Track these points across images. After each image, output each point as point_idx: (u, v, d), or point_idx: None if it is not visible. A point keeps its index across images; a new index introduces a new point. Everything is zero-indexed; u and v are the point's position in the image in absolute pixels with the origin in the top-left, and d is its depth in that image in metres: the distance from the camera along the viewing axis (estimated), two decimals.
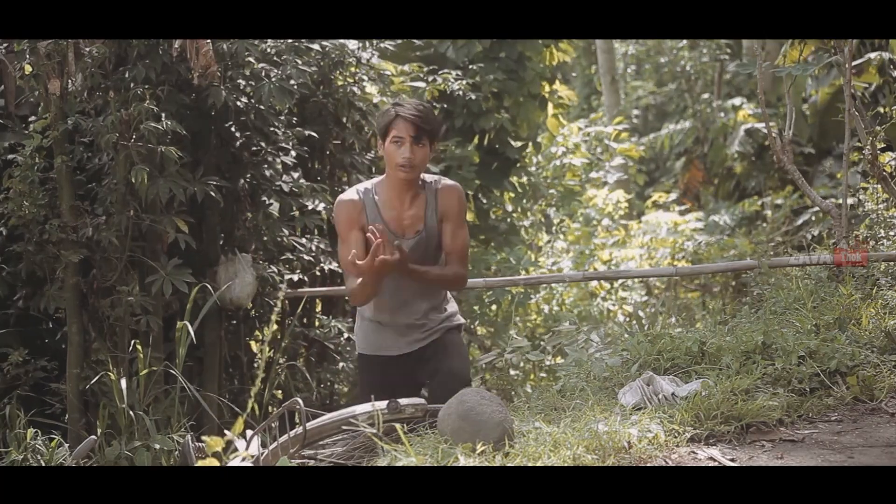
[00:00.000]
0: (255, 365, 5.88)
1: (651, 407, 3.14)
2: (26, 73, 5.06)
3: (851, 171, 7.34)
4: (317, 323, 6.12)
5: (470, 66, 7.81)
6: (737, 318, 4.26)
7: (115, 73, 5.06)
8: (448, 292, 3.86)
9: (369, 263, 3.32)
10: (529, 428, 2.89)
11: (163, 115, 4.89)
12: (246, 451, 3.02)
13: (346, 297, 5.94)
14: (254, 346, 5.94)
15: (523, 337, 7.74)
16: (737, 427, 3.01)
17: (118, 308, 4.90)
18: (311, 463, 3.02)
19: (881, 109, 5.59)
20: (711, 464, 2.77)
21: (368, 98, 6.22)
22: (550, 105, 8.77)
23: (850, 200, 5.21)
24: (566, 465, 2.59)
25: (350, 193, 3.66)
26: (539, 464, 2.58)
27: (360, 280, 3.45)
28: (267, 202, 5.60)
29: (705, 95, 15.37)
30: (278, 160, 5.66)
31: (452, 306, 3.85)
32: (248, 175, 5.55)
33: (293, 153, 5.79)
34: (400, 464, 2.52)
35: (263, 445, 3.21)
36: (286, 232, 5.68)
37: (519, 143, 8.33)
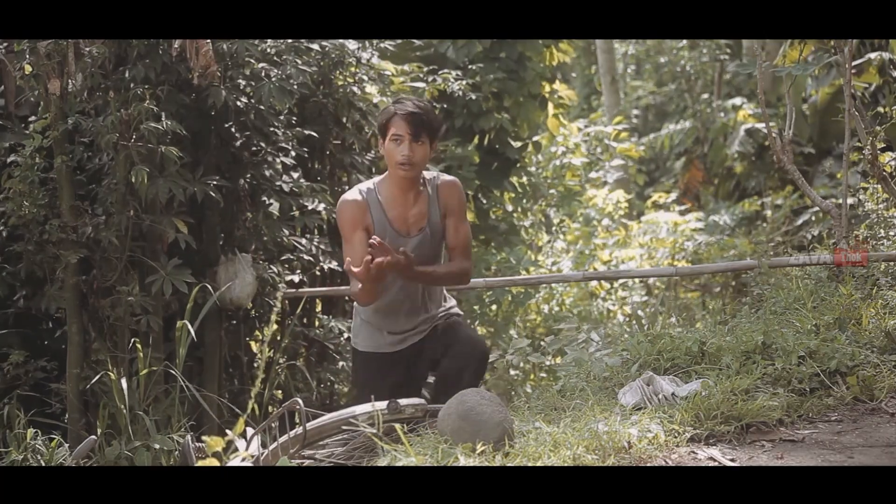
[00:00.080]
0: (255, 365, 5.88)
1: (651, 407, 3.14)
2: (26, 73, 5.06)
3: (851, 171, 7.33)
4: (317, 323, 6.12)
5: (470, 66, 7.81)
6: (737, 318, 4.26)
7: (115, 73, 5.06)
8: (443, 290, 3.86)
9: (364, 273, 3.32)
10: (529, 428, 2.89)
11: (163, 115, 4.89)
12: (246, 451, 3.02)
13: (347, 297, 5.98)
14: (254, 346, 5.94)
15: (523, 337, 7.75)
16: (737, 427, 3.01)
17: (118, 308, 4.90)
18: (311, 463, 3.02)
19: (881, 109, 5.59)
20: (711, 464, 2.77)
21: (368, 98, 6.22)
22: (550, 105, 8.78)
23: (850, 200, 5.20)
24: (566, 465, 2.59)
25: (353, 193, 3.65)
26: (539, 464, 2.58)
27: (360, 285, 3.45)
28: (267, 202, 5.60)
29: (705, 95, 15.36)
30: (278, 160, 5.66)
31: (451, 300, 3.87)
32: (248, 175, 5.55)
33: (293, 153, 5.79)
34: (400, 464, 2.52)
35: (263, 445, 3.21)
36: (286, 232, 5.68)
37: (519, 144, 8.33)
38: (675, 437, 2.90)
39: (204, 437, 2.28)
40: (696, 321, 6.13)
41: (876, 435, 3.03)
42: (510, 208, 8.79)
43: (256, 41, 5.39)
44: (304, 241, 5.83)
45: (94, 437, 4.15)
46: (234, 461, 2.69)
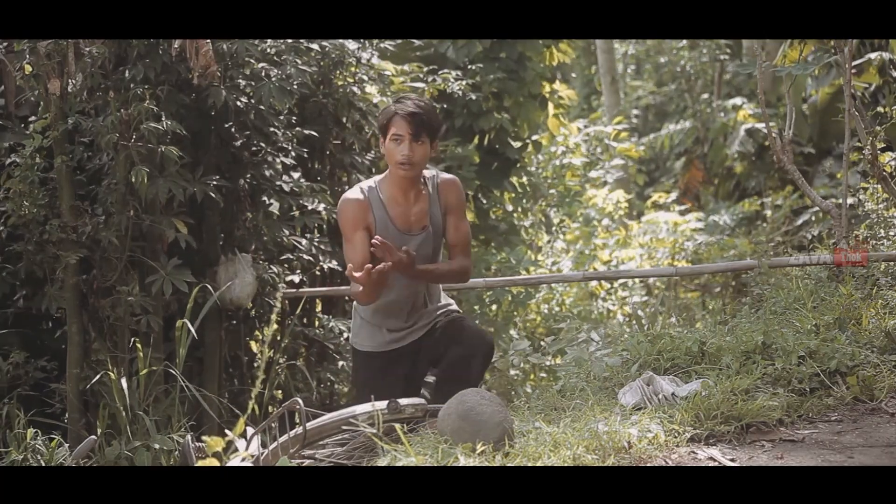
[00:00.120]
0: (255, 365, 5.88)
1: (651, 407, 3.14)
2: (26, 73, 5.06)
3: (851, 171, 7.33)
4: (317, 323, 6.11)
5: (470, 67, 7.81)
6: (737, 318, 4.26)
7: (115, 73, 5.06)
8: (441, 288, 3.86)
9: (365, 278, 3.32)
10: (529, 428, 2.89)
11: (163, 115, 4.89)
12: (246, 451, 3.02)
13: (347, 297, 5.97)
14: (254, 346, 5.94)
15: (523, 337, 7.75)
16: (737, 427, 3.01)
17: (118, 308, 4.90)
18: (311, 463, 3.02)
19: (881, 109, 5.58)
20: (711, 464, 2.77)
21: (368, 98, 6.22)
22: (550, 105, 8.78)
23: (850, 200, 5.20)
24: (566, 465, 2.59)
25: (355, 192, 3.65)
26: (539, 464, 2.58)
27: (361, 287, 3.45)
28: (267, 202, 5.60)
29: (705, 95, 15.36)
30: (278, 160, 5.67)
31: (447, 298, 3.87)
32: (248, 175, 5.55)
33: (293, 153, 5.79)
34: (400, 464, 2.52)
35: (263, 445, 3.21)
36: (286, 232, 5.68)
37: (519, 144, 8.33)
38: (675, 437, 2.90)
39: (204, 437, 2.28)
40: (696, 321, 6.14)
41: (876, 435, 3.03)
42: (510, 208, 8.79)
43: (256, 41, 5.39)
44: (304, 241, 5.83)
45: (94, 437, 4.15)
46: (234, 461, 2.69)
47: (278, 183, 5.63)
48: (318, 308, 6.24)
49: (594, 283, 9.37)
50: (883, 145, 5.03)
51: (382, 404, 2.96)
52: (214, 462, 2.17)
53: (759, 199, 11.87)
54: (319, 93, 5.96)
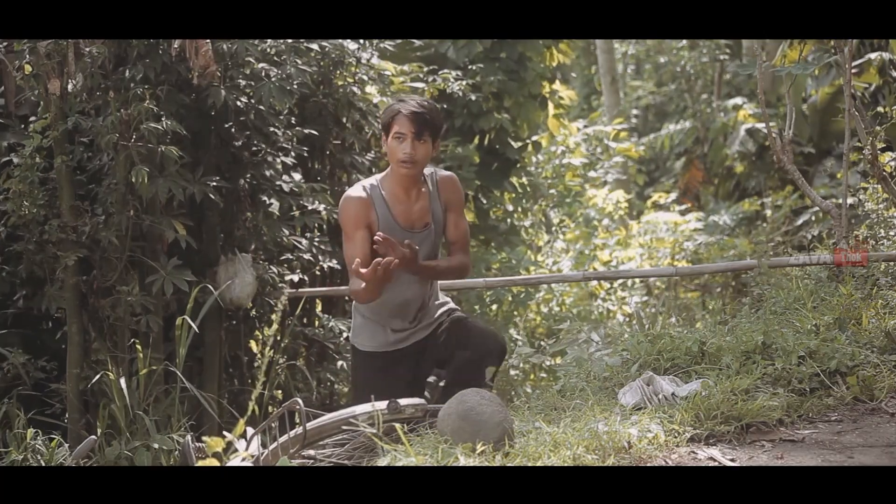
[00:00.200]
0: (256, 365, 5.88)
1: (651, 407, 3.14)
2: (26, 73, 5.06)
3: (851, 171, 7.33)
4: (317, 323, 6.11)
5: (470, 67, 7.82)
6: (737, 318, 4.26)
7: (115, 73, 5.06)
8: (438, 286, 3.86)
9: (371, 274, 3.32)
10: (529, 428, 2.89)
11: (163, 115, 4.89)
12: (246, 451, 3.02)
13: (347, 297, 5.97)
14: (254, 346, 5.94)
15: (523, 336, 7.76)
16: (737, 427, 3.01)
17: (118, 308, 4.90)
18: (311, 463, 3.02)
19: (881, 109, 5.59)
20: (711, 464, 2.77)
21: (368, 98, 6.22)
22: (551, 105, 8.78)
23: (850, 200, 5.20)
24: (566, 465, 2.59)
25: (357, 190, 3.65)
26: (539, 464, 2.58)
27: (363, 284, 3.45)
28: (267, 202, 5.60)
29: (705, 95, 15.36)
30: (278, 160, 5.67)
31: (444, 296, 3.87)
32: (248, 175, 5.56)
33: (293, 153, 5.79)
34: (400, 464, 2.52)
35: (263, 445, 3.21)
36: (286, 232, 5.68)
37: (519, 144, 8.34)
38: (675, 437, 2.90)
39: (204, 438, 2.28)
40: (696, 321, 6.14)
41: (876, 435, 3.03)
42: (510, 208, 8.79)
43: (256, 41, 5.39)
44: (304, 240, 5.83)
45: (94, 437, 4.14)
46: (234, 461, 2.69)
47: (278, 183, 5.63)
48: (319, 308, 6.24)
49: (594, 283, 9.37)
50: (883, 145, 5.03)
51: (382, 404, 2.96)
52: (214, 462, 2.17)
53: (759, 199, 11.87)
54: (319, 93, 5.96)
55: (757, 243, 10.00)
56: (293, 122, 5.82)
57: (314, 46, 5.74)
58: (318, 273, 6.08)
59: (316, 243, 5.90)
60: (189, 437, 3.37)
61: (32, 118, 5.15)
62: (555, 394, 3.67)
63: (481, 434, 2.63)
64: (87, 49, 4.94)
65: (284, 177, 5.70)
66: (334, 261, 5.92)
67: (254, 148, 5.57)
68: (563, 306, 9.05)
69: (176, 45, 4.98)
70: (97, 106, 5.04)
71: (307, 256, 5.84)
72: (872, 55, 7.90)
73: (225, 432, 2.11)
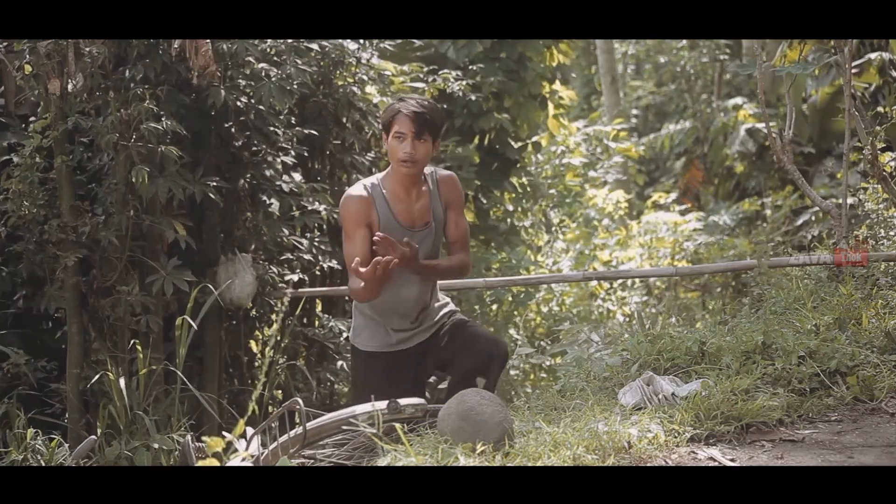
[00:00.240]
0: (256, 365, 5.88)
1: (651, 407, 3.14)
2: (26, 73, 5.06)
3: (851, 171, 7.33)
4: (317, 323, 6.12)
5: (470, 67, 7.82)
6: (737, 318, 4.25)
7: (115, 73, 5.06)
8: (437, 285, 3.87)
9: (370, 273, 3.32)
10: (529, 428, 2.89)
11: (163, 115, 4.89)
12: (246, 451, 3.02)
13: (347, 297, 5.97)
14: (254, 346, 5.94)
15: (523, 336, 7.75)
16: (737, 427, 3.01)
17: (118, 308, 4.90)
18: (311, 463, 3.02)
19: (881, 109, 5.59)
20: (711, 464, 2.77)
21: (368, 98, 6.23)
22: (551, 105, 8.78)
23: (850, 200, 5.20)
24: (566, 465, 2.59)
25: (358, 189, 3.65)
26: (539, 464, 2.58)
27: (362, 283, 3.45)
28: (267, 202, 5.60)
29: (705, 95, 15.36)
30: (278, 160, 5.67)
31: (444, 296, 3.88)
32: (248, 175, 5.56)
33: (293, 153, 5.79)
34: (400, 464, 2.52)
35: (263, 445, 3.21)
36: (286, 232, 5.68)
37: (519, 144, 8.34)
38: (675, 437, 2.90)
39: (204, 438, 2.28)
40: (696, 321, 6.14)
41: (876, 435, 3.03)
42: (510, 208, 8.79)
43: (256, 41, 5.39)
44: (304, 241, 5.84)
45: (94, 437, 4.14)
46: (234, 461, 2.69)
47: (278, 183, 5.63)
48: (319, 308, 6.24)
49: (594, 283, 9.37)
50: (883, 145, 5.03)
51: (382, 404, 2.96)
52: (214, 462, 2.17)
53: (759, 199, 11.88)
54: (319, 93, 5.96)
55: (757, 243, 10.00)
56: (293, 122, 5.82)
57: (314, 46, 5.74)
58: (318, 273, 6.08)
59: (316, 243, 5.90)
60: (189, 437, 3.36)
61: (32, 118, 5.15)
62: (555, 394, 3.67)
63: (481, 434, 2.63)
64: (87, 49, 4.94)
65: (284, 177, 5.70)
66: (334, 261, 5.92)
67: (254, 148, 5.57)
68: (563, 306, 9.05)
69: (176, 45, 4.98)
70: (97, 106, 5.04)
71: (307, 256, 5.84)
72: (872, 55, 7.89)
73: (225, 432, 2.11)
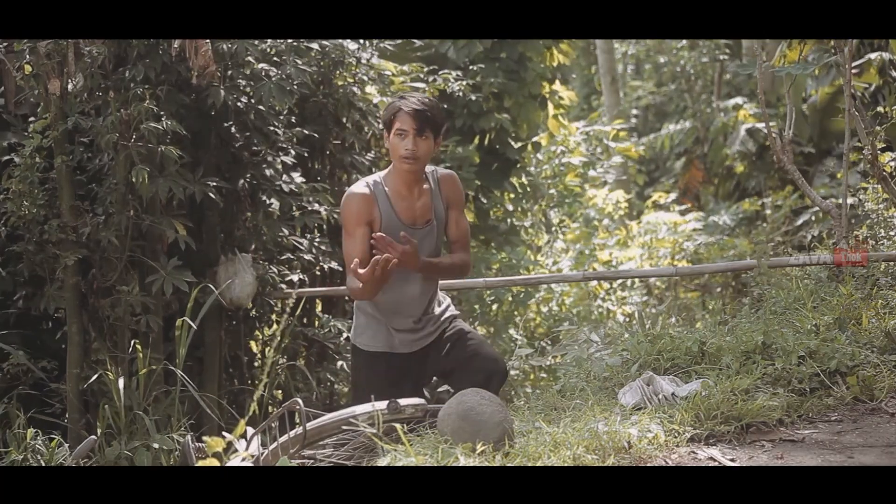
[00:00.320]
0: (256, 365, 5.88)
1: (651, 407, 3.14)
2: (26, 73, 5.06)
3: (851, 171, 7.33)
4: (317, 323, 6.11)
5: (470, 67, 7.82)
6: (737, 318, 4.26)
7: (115, 73, 5.06)
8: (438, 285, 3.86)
9: (369, 274, 3.32)
10: (529, 428, 2.89)
11: (163, 115, 4.89)
12: (246, 450, 3.02)
13: (347, 297, 5.98)
14: (254, 347, 5.94)
15: (523, 337, 7.75)
16: (737, 427, 3.01)
17: (118, 308, 4.90)
18: (311, 463, 3.02)
19: (881, 109, 5.59)
20: (711, 464, 2.77)
21: (368, 98, 6.23)
22: (550, 105, 8.78)
23: (850, 200, 5.20)
24: (566, 465, 2.59)
25: (360, 186, 3.66)
26: (539, 464, 2.58)
27: (358, 285, 3.44)
28: (267, 202, 5.60)
29: (705, 95, 15.36)
30: (278, 160, 5.67)
31: (445, 297, 3.88)
32: (248, 175, 5.56)
33: (293, 153, 5.79)
34: (400, 464, 2.52)
35: (263, 445, 3.21)
36: (286, 232, 5.68)
37: (519, 144, 8.33)
38: (675, 437, 2.90)
39: (204, 438, 2.28)
40: (696, 321, 6.14)
41: (876, 435, 3.03)
42: (510, 208, 8.79)
43: (256, 41, 5.39)
44: (304, 241, 5.84)
45: (94, 437, 4.15)
46: (234, 461, 2.69)
47: (278, 183, 5.63)
48: (319, 308, 6.24)
49: (594, 283, 9.37)
50: (883, 145, 5.03)
51: (382, 404, 2.96)
52: (214, 462, 2.17)
53: (759, 199, 11.88)
54: (319, 93, 5.96)
55: (757, 243, 10.00)
56: (293, 122, 5.82)
57: (314, 46, 5.74)
58: (318, 273, 6.08)
59: (316, 244, 5.90)
60: (189, 437, 3.37)
61: (32, 118, 5.15)
62: (555, 394, 3.67)
63: (481, 434, 2.63)
64: (87, 49, 4.94)
65: (284, 177, 5.70)
66: (334, 262, 5.92)
67: (254, 148, 5.57)
68: (563, 306, 9.05)
69: (176, 45, 4.98)
70: (97, 106, 5.04)
71: (307, 256, 5.84)
72: (872, 55, 7.89)
73: (224, 433, 2.11)
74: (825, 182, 10.71)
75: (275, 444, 3.04)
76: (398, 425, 2.68)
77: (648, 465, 2.71)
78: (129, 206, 4.93)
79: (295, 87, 5.45)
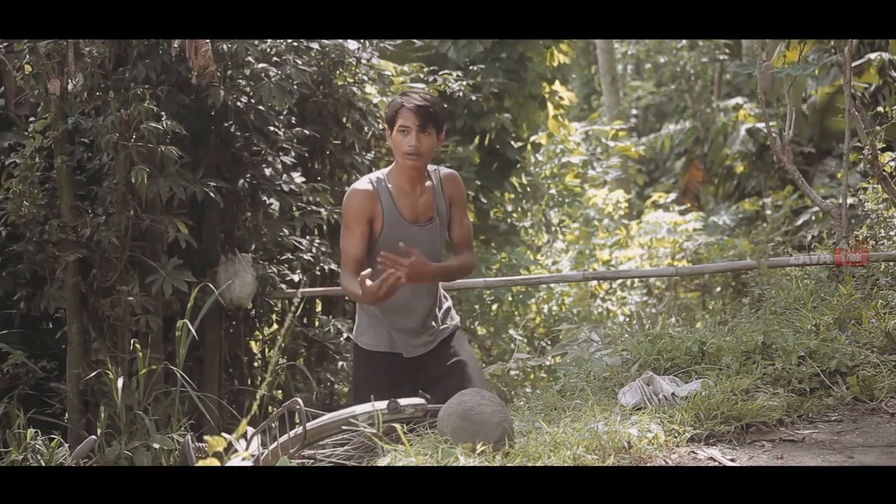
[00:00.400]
0: (255, 365, 5.88)
1: (651, 407, 3.14)
2: (26, 73, 5.06)
3: (851, 171, 7.34)
4: (317, 323, 6.12)
5: (471, 67, 7.82)
6: (737, 318, 4.25)
7: (115, 73, 5.06)
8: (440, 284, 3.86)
9: (374, 292, 3.31)
10: (529, 428, 2.89)
11: (163, 115, 4.89)
12: (246, 450, 3.02)
13: (347, 297, 5.97)
14: (254, 347, 5.94)
15: (522, 336, 7.75)
16: (737, 427, 3.01)
17: (118, 308, 4.90)
18: (311, 463, 3.01)
19: (881, 109, 5.59)
20: (711, 464, 2.77)
21: (368, 98, 6.23)
22: (550, 106, 8.78)
23: (850, 200, 5.21)
24: (566, 465, 2.59)
25: (363, 183, 3.66)
26: (539, 464, 2.58)
27: (357, 291, 3.41)
28: (267, 202, 5.60)
29: (705, 95, 15.36)
30: (278, 160, 5.67)
31: (447, 300, 3.88)
32: (248, 175, 5.56)
33: (293, 153, 5.79)
34: (400, 464, 2.52)
35: (263, 445, 3.21)
36: (286, 232, 5.68)
37: (519, 144, 8.34)
38: (675, 437, 2.90)
39: (204, 437, 2.28)
40: (696, 321, 6.13)
41: (876, 435, 3.03)
42: (510, 208, 8.79)
43: (256, 41, 5.39)
44: (304, 241, 5.84)
45: (94, 437, 4.14)
46: (234, 461, 2.69)
47: (278, 183, 5.63)
48: (319, 308, 6.24)
49: (594, 283, 9.37)
50: (883, 145, 5.03)
51: (382, 404, 2.95)
52: (214, 462, 2.17)
53: (759, 199, 11.88)
54: (319, 93, 5.96)
55: (757, 243, 9.99)
56: (293, 122, 5.82)
57: (314, 46, 5.74)
58: (318, 273, 6.08)
59: (316, 244, 5.90)
60: (189, 437, 3.36)
61: (32, 118, 5.15)
62: (555, 394, 3.67)
63: (481, 434, 2.63)
64: (87, 49, 4.94)
65: (284, 177, 5.70)
66: (334, 262, 5.92)
67: (254, 148, 5.57)
68: (562, 306, 9.05)
69: (176, 45, 4.98)
70: (97, 106, 5.04)
71: (307, 256, 5.84)
72: (872, 55, 7.88)
73: (224, 433, 2.11)
74: (825, 182, 10.71)
75: (275, 444, 3.04)
76: (398, 425, 2.68)
77: (648, 465, 2.71)
78: (129, 206, 4.93)
79: (295, 87, 5.45)
